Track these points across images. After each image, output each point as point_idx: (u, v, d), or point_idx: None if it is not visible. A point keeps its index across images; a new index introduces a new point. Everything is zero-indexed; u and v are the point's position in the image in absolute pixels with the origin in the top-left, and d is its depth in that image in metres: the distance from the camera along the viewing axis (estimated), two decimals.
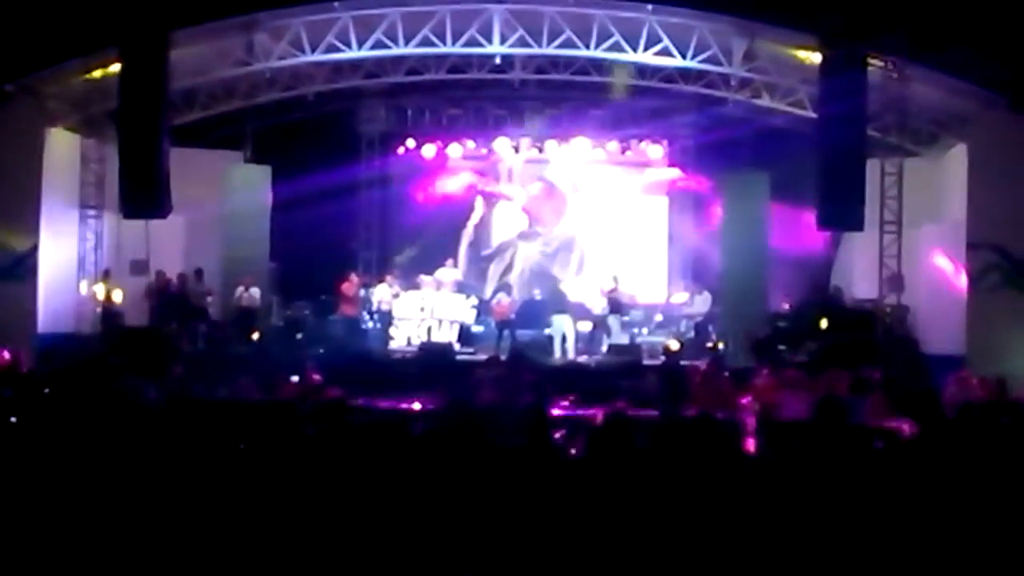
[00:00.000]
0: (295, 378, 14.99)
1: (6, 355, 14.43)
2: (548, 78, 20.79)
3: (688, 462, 6.42)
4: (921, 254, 18.46)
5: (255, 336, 19.50)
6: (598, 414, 9.97)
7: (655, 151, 23.73)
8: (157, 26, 16.45)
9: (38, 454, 7.22)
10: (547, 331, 19.99)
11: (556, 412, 13.04)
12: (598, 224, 24.02)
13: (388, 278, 21.19)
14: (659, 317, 21.73)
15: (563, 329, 19.73)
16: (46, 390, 11.91)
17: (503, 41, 18.59)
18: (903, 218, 17.24)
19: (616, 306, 20.14)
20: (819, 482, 6.17)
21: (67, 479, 6.53)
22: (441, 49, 18.83)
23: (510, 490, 6.13)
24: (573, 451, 8.02)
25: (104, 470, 6.60)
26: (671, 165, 23.85)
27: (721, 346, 18.82)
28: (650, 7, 18.08)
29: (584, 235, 24.05)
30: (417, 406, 13.54)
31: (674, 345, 18.90)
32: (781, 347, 18.35)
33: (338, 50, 18.73)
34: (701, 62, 18.69)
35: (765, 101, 20.03)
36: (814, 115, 18.07)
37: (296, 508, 5.99)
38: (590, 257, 23.85)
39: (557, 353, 19.45)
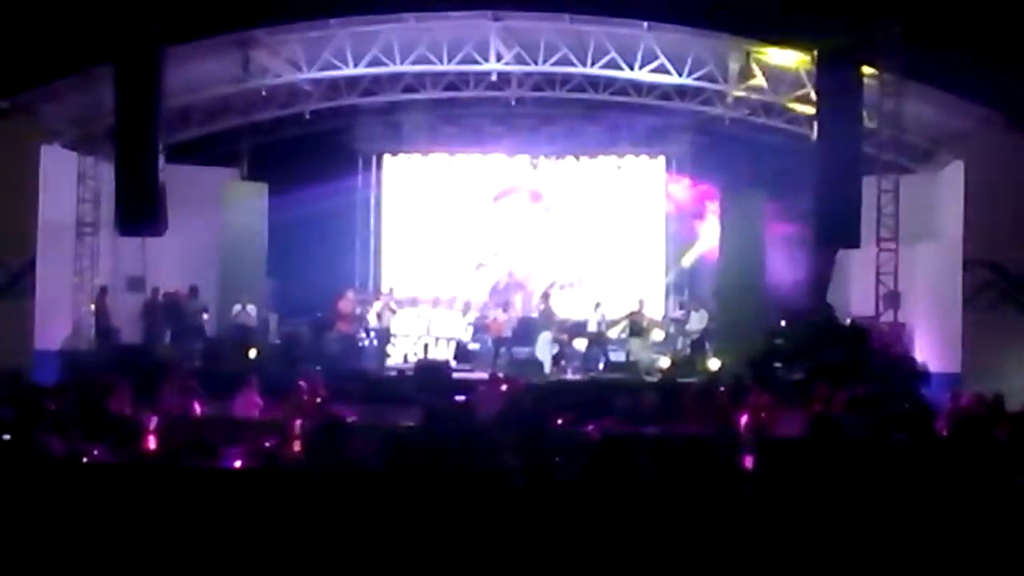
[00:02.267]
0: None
1: None
2: (544, 95, 20.82)
3: (684, 480, 6.40)
4: (917, 271, 18.45)
5: (252, 354, 19.43)
6: (595, 432, 9.96)
7: (651, 168, 23.72)
8: (152, 43, 16.45)
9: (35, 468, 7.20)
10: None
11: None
12: (594, 241, 23.96)
13: (384, 295, 21.12)
14: (658, 335, 21.63)
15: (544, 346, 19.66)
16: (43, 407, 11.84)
17: (499, 58, 18.65)
18: (899, 235, 17.26)
19: (638, 329, 20.11)
20: (816, 499, 6.15)
21: (67, 488, 6.51)
22: (437, 67, 18.88)
23: (507, 511, 6.11)
24: (569, 470, 7.98)
25: (97, 483, 6.59)
26: (668, 180, 23.83)
27: (717, 363, 18.72)
28: (646, 24, 18.12)
29: (584, 253, 23.97)
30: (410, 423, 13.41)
31: (664, 364, 18.87)
32: (777, 364, 18.30)
33: (334, 67, 18.78)
34: (697, 79, 18.74)
35: (761, 118, 20.07)
36: (810, 132, 18.10)
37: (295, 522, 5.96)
38: (590, 275, 23.77)
39: (547, 370, 19.38)
